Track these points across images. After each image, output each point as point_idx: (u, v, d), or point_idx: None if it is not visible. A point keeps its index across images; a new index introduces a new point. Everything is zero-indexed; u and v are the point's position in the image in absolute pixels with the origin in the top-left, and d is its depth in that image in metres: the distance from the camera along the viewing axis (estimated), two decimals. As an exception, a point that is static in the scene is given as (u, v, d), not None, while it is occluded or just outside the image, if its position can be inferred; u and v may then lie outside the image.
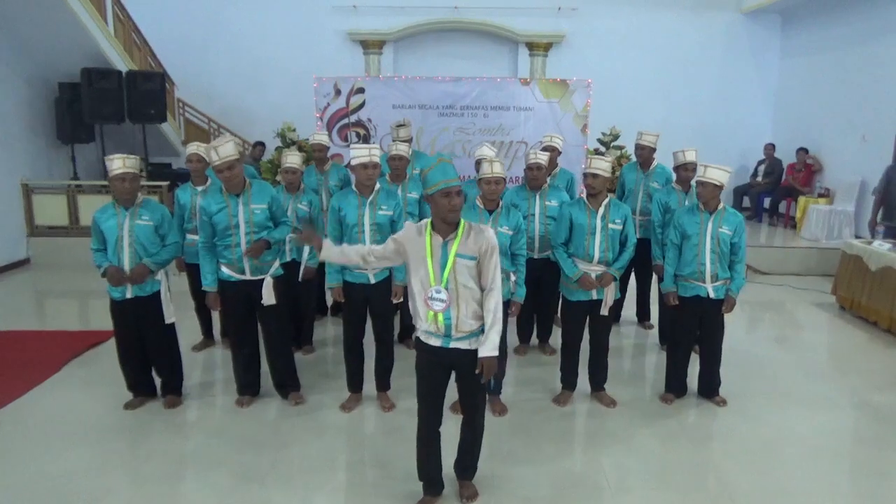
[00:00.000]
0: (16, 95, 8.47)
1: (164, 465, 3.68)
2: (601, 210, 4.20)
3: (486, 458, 3.64)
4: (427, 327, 3.00)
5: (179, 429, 4.15)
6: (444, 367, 3.09)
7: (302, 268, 5.09)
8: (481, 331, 2.99)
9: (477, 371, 2.98)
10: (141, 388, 4.40)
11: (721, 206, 4.27)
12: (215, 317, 5.50)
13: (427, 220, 3.00)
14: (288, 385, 4.47)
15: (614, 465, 3.74)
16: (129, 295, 4.11)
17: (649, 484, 3.57)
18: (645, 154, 5.75)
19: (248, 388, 4.45)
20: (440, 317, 2.93)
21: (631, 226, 4.31)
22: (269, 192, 4.20)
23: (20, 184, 8.45)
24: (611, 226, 4.21)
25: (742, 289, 4.33)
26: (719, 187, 4.18)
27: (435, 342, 3.01)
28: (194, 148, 5.07)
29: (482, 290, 2.98)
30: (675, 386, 4.58)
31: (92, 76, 8.44)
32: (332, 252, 3.20)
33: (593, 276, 4.24)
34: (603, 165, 4.14)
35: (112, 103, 8.63)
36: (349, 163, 4.39)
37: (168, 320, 4.27)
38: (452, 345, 2.99)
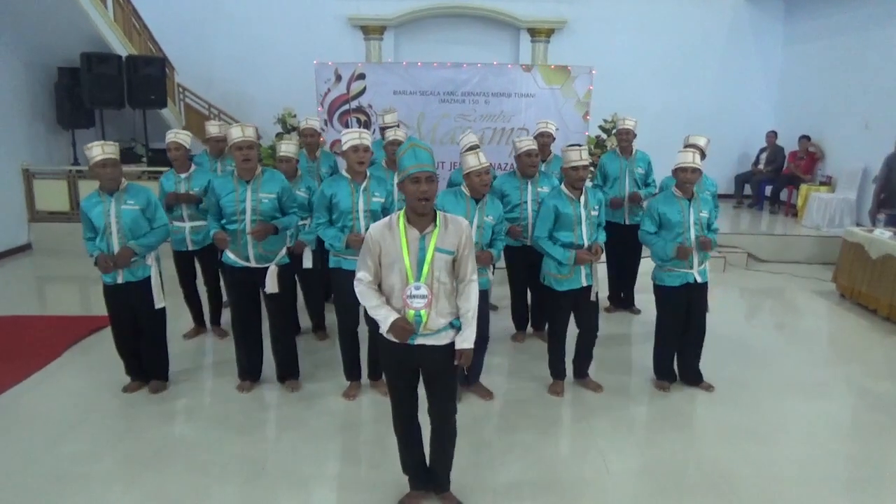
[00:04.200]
0: (15, 80, 8.43)
1: (165, 451, 3.70)
2: (583, 199, 4.22)
3: (477, 447, 3.70)
4: None
5: (179, 415, 4.17)
6: (409, 365, 2.94)
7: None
8: (450, 325, 2.86)
9: (456, 362, 2.86)
10: (138, 373, 4.43)
11: (695, 192, 4.32)
12: (206, 303, 5.52)
13: (398, 213, 2.82)
14: (287, 373, 4.49)
15: (608, 451, 3.76)
16: (120, 280, 4.12)
17: (646, 471, 3.59)
18: (629, 138, 5.74)
19: (249, 374, 4.47)
20: (410, 313, 2.78)
21: (604, 211, 4.42)
22: (280, 181, 4.22)
23: (21, 169, 8.44)
24: (592, 213, 4.26)
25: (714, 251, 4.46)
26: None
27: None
28: (172, 136, 5.11)
29: (457, 282, 2.88)
30: (666, 372, 4.59)
31: (91, 61, 8.39)
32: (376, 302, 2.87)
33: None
34: (585, 156, 4.14)
35: (112, 88, 8.59)
36: (332, 146, 4.36)
37: (157, 305, 4.28)
38: (418, 341, 2.84)
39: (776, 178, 10.33)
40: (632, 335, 5.70)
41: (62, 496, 3.26)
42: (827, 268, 7.62)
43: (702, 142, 5.12)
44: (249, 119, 10.90)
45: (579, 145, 4.22)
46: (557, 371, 4.53)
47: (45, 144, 9.10)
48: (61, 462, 3.54)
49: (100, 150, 3.95)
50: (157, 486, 3.35)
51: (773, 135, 10.59)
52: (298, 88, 9.68)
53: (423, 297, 2.78)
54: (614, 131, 8.41)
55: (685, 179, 4.22)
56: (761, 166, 10.62)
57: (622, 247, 5.86)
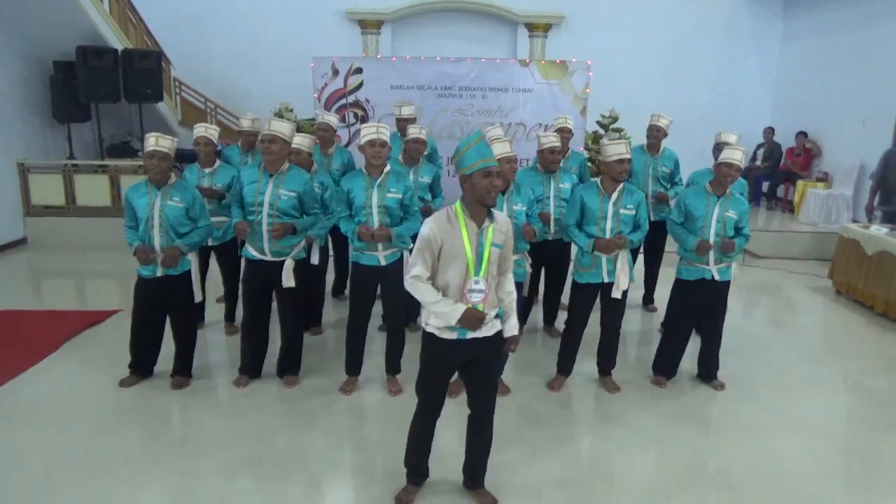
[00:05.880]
0: (10, 74, 8.38)
1: (163, 446, 3.70)
2: (614, 195, 4.15)
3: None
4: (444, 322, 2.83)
5: (178, 409, 4.17)
6: (456, 362, 2.97)
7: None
8: (495, 316, 2.94)
9: (506, 349, 3.03)
10: (141, 369, 4.43)
11: (728, 191, 4.27)
12: (208, 301, 5.51)
13: (454, 206, 2.82)
14: (289, 368, 4.48)
15: (613, 449, 3.77)
16: (159, 273, 4.14)
17: (647, 466, 3.60)
18: (659, 136, 5.69)
19: (249, 369, 4.46)
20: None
21: (644, 211, 4.26)
22: (304, 181, 4.18)
23: (16, 163, 8.40)
24: (623, 211, 4.15)
25: (739, 256, 4.42)
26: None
27: (450, 335, 2.86)
28: (202, 130, 5.13)
29: (498, 273, 2.95)
30: (665, 368, 4.58)
31: (87, 54, 8.35)
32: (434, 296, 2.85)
33: (604, 258, 4.20)
34: (629, 149, 4.10)
35: (108, 82, 8.55)
36: (350, 142, 4.35)
37: (197, 299, 4.36)
38: (469, 335, 2.87)
39: (773, 175, 10.35)
40: (639, 332, 5.70)
41: (60, 491, 3.25)
42: (823, 264, 7.64)
43: (733, 138, 5.08)
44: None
45: (602, 138, 4.19)
46: (563, 367, 4.49)
47: (41, 138, 9.06)
48: (59, 456, 3.54)
49: (153, 142, 4.04)
50: (155, 481, 3.34)
51: (770, 131, 10.61)
52: (295, 83, 9.66)
53: (481, 291, 2.82)
54: (612, 127, 8.44)
55: (727, 174, 4.15)
56: (758, 162, 10.63)
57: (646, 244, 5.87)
